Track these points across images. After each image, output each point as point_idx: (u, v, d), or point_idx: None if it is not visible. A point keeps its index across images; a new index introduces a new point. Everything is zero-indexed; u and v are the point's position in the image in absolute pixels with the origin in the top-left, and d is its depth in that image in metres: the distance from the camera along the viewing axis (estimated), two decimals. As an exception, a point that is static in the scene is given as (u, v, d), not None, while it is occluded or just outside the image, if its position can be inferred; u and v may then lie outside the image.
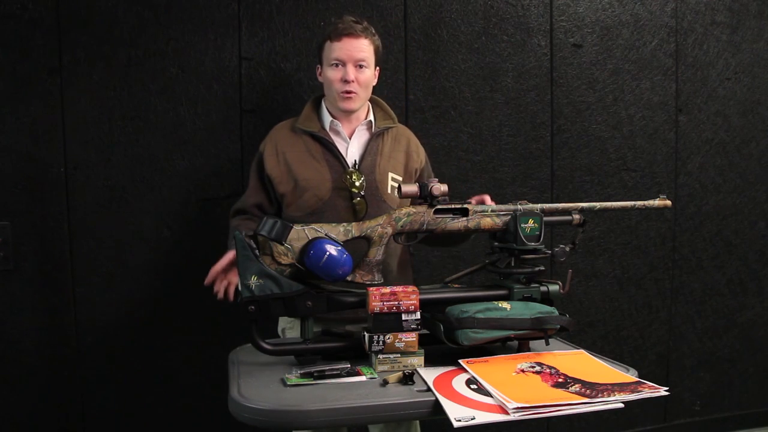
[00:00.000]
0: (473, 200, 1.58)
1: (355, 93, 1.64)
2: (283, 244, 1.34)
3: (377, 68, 1.71)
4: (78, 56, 1.87)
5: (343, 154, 1.67)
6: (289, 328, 1.73)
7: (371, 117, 1.73)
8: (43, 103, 1.86)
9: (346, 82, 1.62)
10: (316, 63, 1.72)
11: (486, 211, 1.48)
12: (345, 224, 1.42)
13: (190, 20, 1.96)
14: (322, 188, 1.63)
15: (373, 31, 1.69)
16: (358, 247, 1.41)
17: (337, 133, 1.69)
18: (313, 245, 1.33)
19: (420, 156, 1.80)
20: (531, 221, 1.45)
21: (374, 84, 1.72)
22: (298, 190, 1.65)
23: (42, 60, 1.85)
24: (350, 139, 1.70)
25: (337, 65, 1.63)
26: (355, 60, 1.63)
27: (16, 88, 1.83)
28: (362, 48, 1.64)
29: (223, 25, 1.98)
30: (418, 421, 1.81)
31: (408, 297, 1.32)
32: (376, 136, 1.71)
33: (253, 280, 1.32)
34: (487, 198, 1.61)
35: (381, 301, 1.30)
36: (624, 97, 2.44)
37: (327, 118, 1.70)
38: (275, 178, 1.68)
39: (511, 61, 2.30)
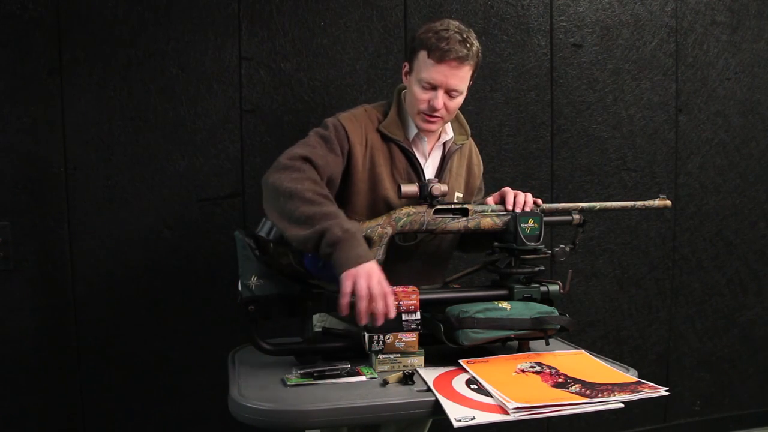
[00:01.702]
0: (492, 198, 1.54)
1: (439, 118, 1.50)
2: (281, 245, 1.34)
3: (470, 82, 1.53)
4: (78, 56, 1.87)
5: (423, 169, 1.56)
6: (321, 320, 1.62)
7: (451, 134, 1.60)
8: (43, 103, 1.86)
9: (433, 108, 1.46)
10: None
11: (486, 211, 1.48)
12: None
13: (190, 20, 1.96)
14: (396, 201, 1.50)
15: (476, 50, 1.48)
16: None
17: (419, 146, 1.56)
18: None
19: (480, 170, 1.71)
20: (531, 221, 1.45)
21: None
22: (370, 194, 1.50)
23: (42, 60, 1.85)
24: (429, 154, 1.58)
25: (427, 86, 1.46)
26: (449, 88, 1.46)
27: (16, 88, 1.83)
28: (461, 76, 1.46)
29: (223, 25, 1.98)
30: (429, 421, 1.80)
31: (408, 297, 1.32)
32: (450, 154, 1.60)
33: (253, 280, 1.32)
34: (508, 190, 1.52)
35: None
36: (624, 97, 2.44)
37: (413, 129, 1.54)
38: (356, 173, 1.49)
39: (511, 61, 2.30)
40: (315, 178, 1.35)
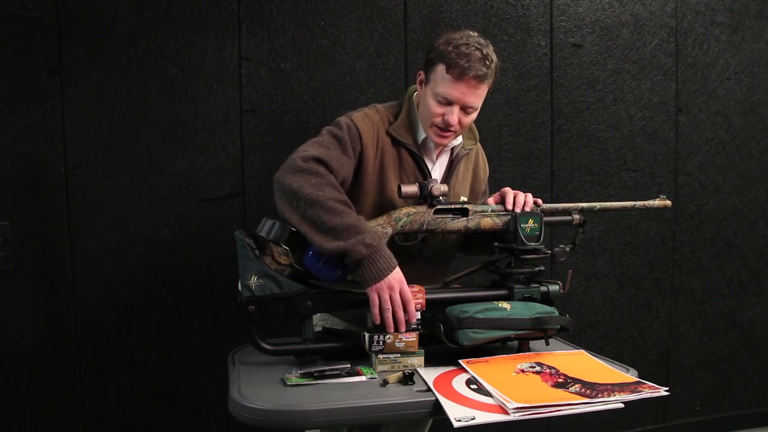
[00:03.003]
0: (493, 198, 1.54)
1: (452, 133, 1.49)
2: (281, 245, 1.34)
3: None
4: (78, 56, 1.87)
5: (431, 173, 1.56)
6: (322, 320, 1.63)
7: (460, 139, 1.59)
8: (43, 103, 1.86)
9: (447, 123, 1.46)
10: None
11: (486, 211, 1.48)
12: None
13: (190, 20, 1.96)
14: (401, 202, 1.49)
15: (495, 66, 1.46)
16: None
17: (427, 150, 1.56)
18: (312, 246, 1.33)
19: (486, 174, 1.71)
20: (531, 221, 1.45)
21: None
22: (378, 195, 1.51)
23: (42, 60, 1.85)
24: (436, 159, 1.58)
25: (443, 102, 1.45)
26: (466, 104, 1.45)
27: (16, 88, 1.83)
28: (479, 94, 1.46)
29: (223, 25, 1.98)
30: (430, 421, 1.80)
31: (414, 296, 1.32)
32: (458, 159, 1.60)
33: (253, 280, 1.32)
34: (508, 190, 1.52)
35: None
36: (624, 97, 2.44)
37: (422, 133, 1.53)
38: (366, 175, 1.50)
39: (511, 61, 2.30)
40: (334, 182, 1.37)
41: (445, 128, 1.48)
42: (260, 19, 2.01)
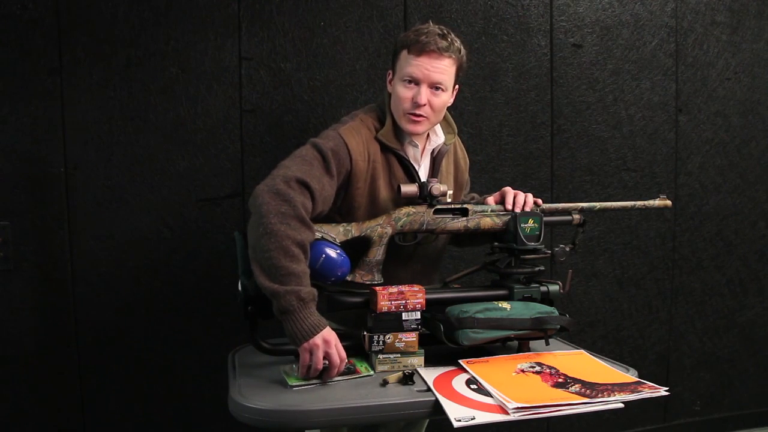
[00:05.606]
0: (493, 198, 1.54)
1: (424, 117, 1.46)
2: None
3: (457, 86, 1.53)
4: (78, 56, 1.87)
5: (419, 176, 1.54)
6: None
7: (442, 137, 1.58)
8: (43, 103, 1.86)
9: (416, 104, 1.44)
10: (387, 67, 1.51)
11: (486, 211, 1.49)
12: (345, 224, 1.42)
13: (190, 20, 1.96)
14: (393, 205, 1.48)
15: (459, 47, 1.47)
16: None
17: (410, 153, 1.53)
18: (310, 247, 1.33)
19: (466, 163, 1.70)
20: (531, 221, 1.45)
21: (450, 104, 1.53)
22: (369, 206, 1.48)
23: (42, 60, 1.85)
24: (421, 158, 1.56)
25: (410, 83, 1.45)
26: (432, 82, 1.44)
27: (16, 88, 1.83)
28: (442, 69, 1.44)
29: (223, 25, 1.98)
30: (426, 421, 1.80)
31: (415, 296, 1.32)
32: (440, 156, 1.58)
33: (253, 280, 1.32)
34: (508, 190, 1.52)
35: (389, 301, 1.31)
36: (624, 97, 2.44)
37: (406, 136, 1.52)
38: (356, 190, 1.46)
39: (511, 61, 2.30)
40: (303, 216, 1.30)
41: (415, 111, 1.45)
42: (260, 19, 2.01)
